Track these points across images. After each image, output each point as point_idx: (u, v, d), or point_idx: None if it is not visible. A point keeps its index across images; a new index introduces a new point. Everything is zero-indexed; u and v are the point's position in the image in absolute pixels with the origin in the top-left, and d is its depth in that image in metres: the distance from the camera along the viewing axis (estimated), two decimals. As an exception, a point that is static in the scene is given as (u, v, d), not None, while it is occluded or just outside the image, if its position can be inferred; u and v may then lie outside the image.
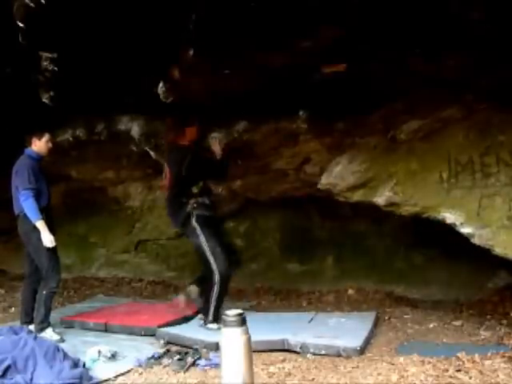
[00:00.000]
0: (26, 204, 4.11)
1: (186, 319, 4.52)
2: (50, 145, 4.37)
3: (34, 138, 4.30)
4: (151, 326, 4.31)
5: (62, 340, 4.11)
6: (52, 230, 4.24)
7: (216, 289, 4.12)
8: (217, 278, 4.10)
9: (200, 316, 4.37)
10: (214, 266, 4.11)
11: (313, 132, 4.28)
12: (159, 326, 4.27)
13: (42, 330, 4.12)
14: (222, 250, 4.16)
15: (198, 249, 4.26)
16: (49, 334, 4.10)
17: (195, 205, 4.21)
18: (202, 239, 4.17)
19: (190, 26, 2.95)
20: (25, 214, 4.17)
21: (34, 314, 4.27)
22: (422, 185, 3.97)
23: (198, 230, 4.18)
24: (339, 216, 5.79)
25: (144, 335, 4.25)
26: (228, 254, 4.26)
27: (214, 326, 4.11)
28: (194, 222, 4.20)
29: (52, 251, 4.21)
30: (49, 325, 4.20)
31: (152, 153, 4.89)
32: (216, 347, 3.56)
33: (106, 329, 4.45)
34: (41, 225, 4.12)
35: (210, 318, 4.16)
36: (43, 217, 4.16)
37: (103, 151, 5.39)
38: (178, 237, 6.20)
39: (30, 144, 4.32)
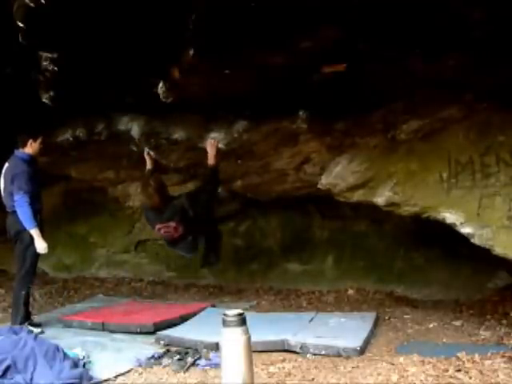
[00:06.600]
0: (21, 210, 4.11)
1: (183, 319, 4.52)
2: (41, 145, 4.42)
3: (31, 139, 4.30)
4: (147, 323, 4.32)
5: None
6: (41, 231, 4.29)
7: None
8: None
9: None
10: None
11: (313, 132, 4.27)
12: (155, 323, 4.28)
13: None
14: None
15: None
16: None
17: None
18: None
19: (190, 26, 2.95)
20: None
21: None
22: (421, 185, 3.97)
23: None
24: (339, 216, 5.79)
25: (140, 332, 4.26)
26: None
27: None
28: None
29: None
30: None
31: (151, 153, 4.89)
32: (216, 347, 3.57)
33: (104, 328, 4.45)
34: (35, 232, 4.12)
35: None
36: (37, 219, 4.18)
37: (103, 151, 5.38)
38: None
39: (24, 145, 4.30)
